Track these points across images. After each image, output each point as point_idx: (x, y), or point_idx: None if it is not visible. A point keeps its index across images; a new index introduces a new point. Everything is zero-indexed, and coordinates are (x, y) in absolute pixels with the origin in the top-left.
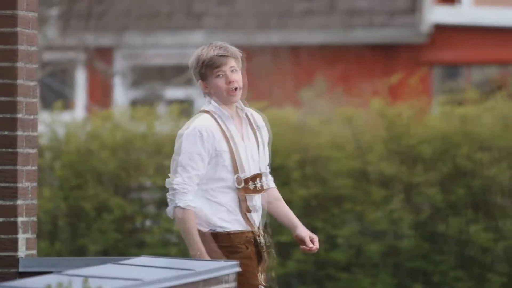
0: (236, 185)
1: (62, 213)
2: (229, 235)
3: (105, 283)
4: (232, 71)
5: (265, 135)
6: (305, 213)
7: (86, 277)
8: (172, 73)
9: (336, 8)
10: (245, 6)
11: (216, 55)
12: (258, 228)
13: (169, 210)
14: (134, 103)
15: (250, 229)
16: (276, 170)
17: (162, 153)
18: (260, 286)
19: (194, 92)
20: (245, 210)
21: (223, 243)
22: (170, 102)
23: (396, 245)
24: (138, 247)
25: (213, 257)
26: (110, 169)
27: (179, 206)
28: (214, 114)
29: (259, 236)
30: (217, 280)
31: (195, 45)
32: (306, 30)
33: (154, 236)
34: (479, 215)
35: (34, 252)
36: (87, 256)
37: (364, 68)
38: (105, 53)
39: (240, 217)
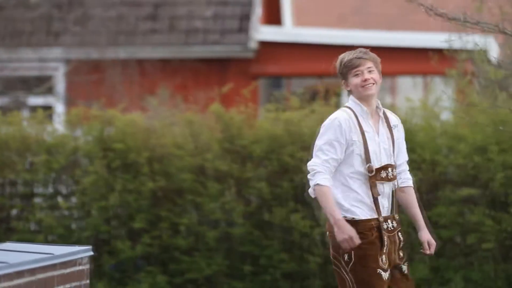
0: (368, 173)
1: None
2: (356, 222)
3: None
4: (370, 71)
5: (400, 133)
6: (153, 204)
7: None
8: (34, 83)
9: (175, 28)
10: (97, 25)
11: (355, 57)
12: (391, 213)
13: (310, 190)
14: (1, 109)
15: (375, 216)
16: (129, 165)
17: (30, 151)
18: (379, 269)
19: (52, 100)
20: (374, 195)
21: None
22: (33, 108)
23: (229, 232)
24: (6, 234)
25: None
26: None
27: (318, 184)
28: (353, 109)
29: (386, 222)
30: (73, 262)
31: (54, 60)
32: (150, 47)
33: (21, 224)
34: (300, 205)
35: None
36: None
37: (200, 79)
38: None
39: (368, 201)
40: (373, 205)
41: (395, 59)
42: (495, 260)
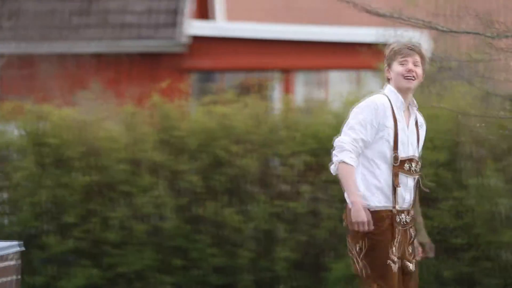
0: (393, 162)
1: None
2: (369, 210)
3: None
4: (415, 65)
5: (423, 132)
6: (85, 198)
7: None
8: None
9: (108, 23)
10: (30, 20)
11: (406, 46)
12: (412, 207)
13: (333, 167)
14: None
15: (390, 206)
16: (63, 160)
17: None
18: (388, 260)
19: None
20: (395, 185)
21: None
22: None
23: (160, 226)
24: None
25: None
26: None
27: (343, 162)
28: (389, 97)
29: (400, 214)
30: (1, 258)
31: None
32: (83, 41)
33: None
34: (233, 200)
35: None
36: None
37: (133, 74)
38: None
39: (387, 191)
40: (391, 195)
41: (327, 54)
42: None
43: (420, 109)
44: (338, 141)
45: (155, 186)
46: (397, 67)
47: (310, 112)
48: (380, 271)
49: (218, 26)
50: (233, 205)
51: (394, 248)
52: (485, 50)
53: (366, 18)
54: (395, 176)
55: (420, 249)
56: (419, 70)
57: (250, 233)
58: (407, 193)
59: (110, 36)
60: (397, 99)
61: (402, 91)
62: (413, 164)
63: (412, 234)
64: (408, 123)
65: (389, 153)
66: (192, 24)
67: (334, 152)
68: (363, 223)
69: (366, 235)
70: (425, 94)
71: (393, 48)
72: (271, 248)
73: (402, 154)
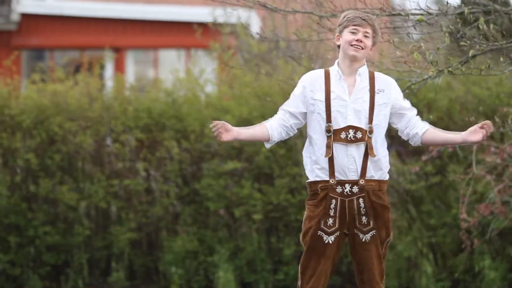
0: (326, 133)
1: None
2: (308, 184)
3: None
4: (365, 36)
5: (388, 97)
6: None
7: None
8: None
9: None
10: None
11: (359, 16)
12: (359, 178)
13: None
14: None
15: (327, 178)
16: None
17: None
18: (319, 231)
19: None
20: (325, 155)
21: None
22: None
23: None
24: None
25: None
26: None
27: None
28: (329, 70)
29: (341, 185)
30: None
31: None
32: None
33: None
34: (67, 177)
35: None
36: None
37: None
38: None
39: (323, 163)
40: (326, 167)
41: (157, 32)
42: (259, 233)
43: (251, 86)
44: None
45: None
46: (347, 35)
47: (143, 90)
48: (309, 241)
49: (48, 4)
50: (67, 182)
51: (331, 219)
52: (314, 29)
53: None
54: (327, 147)
55: (480, 129)
56: (368, 42)
57: (84, 211)
58: (350, 163)
59: None
60: (334, 70)
61: (349, 58)
62: (351, 132)
63: (362, 205)
64: (352, 91)
65: (323, 125)
66: (22, 2)
67: None
68: (214, 127)
69: (306, 206)
70: (255, 72)
71: (347, 16)
72: (106, 226)
73: (339, 123)
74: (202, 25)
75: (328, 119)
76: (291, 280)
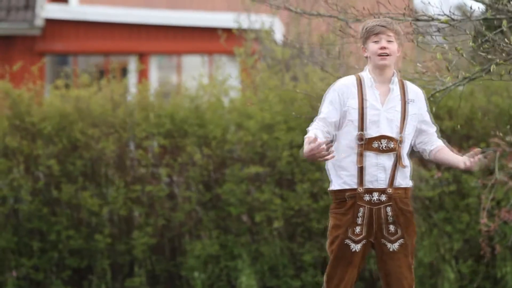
0: (357, 141)
1: None
2: (331, 191)
3: None
4: (389, 41)
5: (418, 107)
6: None
7: None
8: None
9: None
10: None
11: (378, 24)
12: (388, 186)
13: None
14: None
15: (355, 186)
16: None
17: None
18: (347, 240)
19: None
20: (357, 164)
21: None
22: None
23: (17, 208)
24: None
25: None
26: None
27: (305, 138)
28: (362, 76)
29: (369, 194)
30: None
31: None
32: None
33: None
34: (89, 183)
35: None
36: None
37: None
38: None
39: (353, 170)
40: (356, 174)
41: (181, 38)
42: (281, 238)
43: (275, 91)
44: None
45: (10, 170)
46: (371, 46)
47: (167, 95)
48: (337, 249)
49: (72, 9)
50: (89, 188)
51: (358, 227)
52: (337, 35)
53: (220, 3)
54: (359, 155)
55: (472, 159)
56: (393, 46)
57: (107, 216)
58: (379, 172)
59: None
60: (367, 77)
61: (379, 68)
62: (383, 141)
63: (389, 213)
64: (385, 100)
65: (355, 133)
66: (46, 7)
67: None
68: (308, 151)
69: (331, 214)
70: (279, 77)
71: (365, 27)
72: (128, 232)
73: (373, 133)
74: (226, 30)
75: (361, 127)
76: (312, 286)
